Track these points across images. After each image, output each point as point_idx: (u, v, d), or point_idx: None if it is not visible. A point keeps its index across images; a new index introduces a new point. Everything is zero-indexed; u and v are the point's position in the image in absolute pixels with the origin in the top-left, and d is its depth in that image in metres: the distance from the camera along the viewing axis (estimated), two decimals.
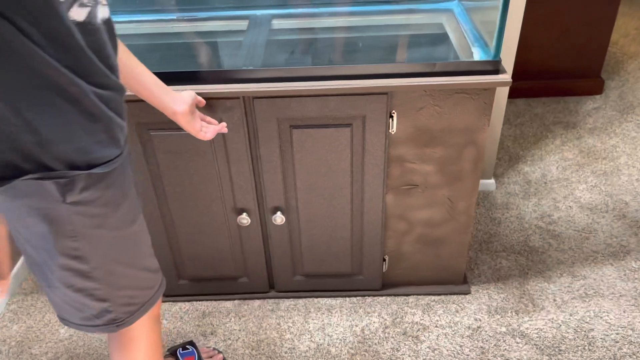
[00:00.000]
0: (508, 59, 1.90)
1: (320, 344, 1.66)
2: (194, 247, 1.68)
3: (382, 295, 1.81)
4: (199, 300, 1.82)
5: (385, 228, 1.65)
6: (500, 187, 2.27)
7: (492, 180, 2.25)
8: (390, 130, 1.44)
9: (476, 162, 1.51)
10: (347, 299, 1.81)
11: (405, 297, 1.80)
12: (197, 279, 1.77)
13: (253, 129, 1.43)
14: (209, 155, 1.47)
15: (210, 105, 1.37)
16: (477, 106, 1.40)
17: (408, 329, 1.69)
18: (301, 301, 1.80)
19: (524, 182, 2.29)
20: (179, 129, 1.27)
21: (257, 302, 1.81)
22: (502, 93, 2.00)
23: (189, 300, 1.82)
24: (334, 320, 1.74)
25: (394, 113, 1.41)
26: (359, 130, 1.43)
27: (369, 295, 1.81)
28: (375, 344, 1.65)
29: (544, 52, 2.71)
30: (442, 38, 1.53)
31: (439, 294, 1.80)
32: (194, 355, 1.59)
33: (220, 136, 1.43)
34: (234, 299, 1.82)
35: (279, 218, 1.58)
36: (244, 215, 1.58)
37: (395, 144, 1.47)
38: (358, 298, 1.81)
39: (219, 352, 1.64)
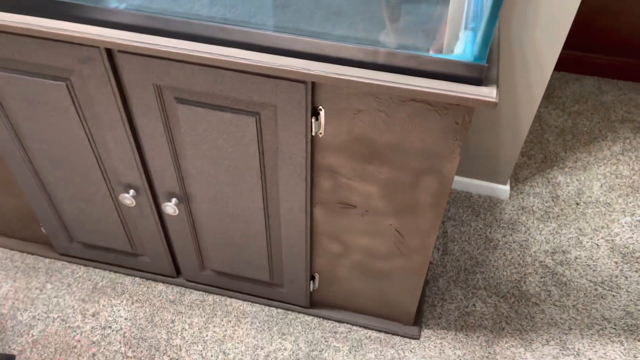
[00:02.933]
0: (559, 26, 1.31)
1: None
2: (79, 213, 1.34)
3: (309, 315, 1.44)
4: (97, 268, 1.53)
5: (313, 244, 1.24)
6: (516, 197, 1.76)
7: (507, 187, 1.74)
8: (316, 132, 0.98)
9: (438, 197, 1.04)
10: (267, 308, 1.45)
11: (336, 323, 1.43)
12: (91, 245, 1.46)
13: (126, 93, 1.02)
14: (72, 113, 1.08)
15: (64, 51, 0.96)
16: (443, 125, 0.91)
17: None
18: (211, 298, 1.47)
19: (549, 197, 1.76)
20: (31, 71, 0.89)
21: (160, 286, 1.49)
22: (547, 64, 1.42)
23: (85, 265, 1.53)
24: (238, 333, 1.40)
25: (320, 109, 0.95)
26: (269, 123, 0.98)
27: (293, 310, 1.45)
28: None
29: (635, 18, 2.03)
30: (428, 6, 1.01)
31: (379, 331, 1.41)
32: None
33: (85, 91, 1.03)
34: (135, 276, 1.51)
35: (170, 208, 1.20)
36: (130, 194, 1.21)
37: (324, 150, 1.02)
38: (280, 311, 1.45)
39: None
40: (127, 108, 1.05)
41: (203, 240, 1.31)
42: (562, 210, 1.72)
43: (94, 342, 1.37)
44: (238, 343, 1.38)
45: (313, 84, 0.91)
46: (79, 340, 1.38)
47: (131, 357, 1.34)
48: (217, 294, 1.47)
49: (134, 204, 1.22)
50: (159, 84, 0.98)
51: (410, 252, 1.18)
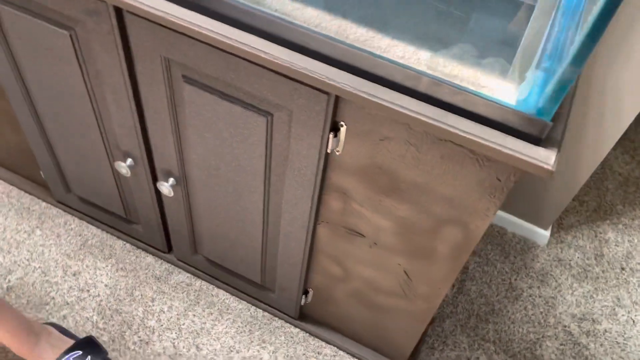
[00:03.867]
0: None
1: (178, 354, 1.24)
2: (76, 167, 1.25)
3: (295, 327, 1.32)
4: (91, 224, 1.44)
5: (312, 261, 1.11)
6: (555, 245, 1.57)
7: (547, 233, 1.55)
8: (332, 149, 0.84)
9: (458, 251, 0.89)
10: (253, 308, 1.34)
11: (323, 343, 1.30)
12: (87, 201, 1.37)
13: (133, 57, 0.89)
14: (74, 66, 0.96)
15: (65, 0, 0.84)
16: (482, 178, 0.75)
17: None
18: (198, 283, 1.37)
19: (592, 253, 1.56)
20: (37, 13, 0.79)
21: (149, 259, 1.40)
22: (628, 111, 1.22)
23: (80, 218, 1.45)
24: (217, 329, 1.29)
25: (342, 125, 0.80)
26: (282, 128, 0.84)
27: (280, 318, 1.33)
28: None
29: None
30: (500, 23, 0.82)
31: None
32: None
33: (89, 46, 0.91)
34: (127, 241, 1.42)
35: (165, 189, 1.08)
36: (127, 163, 1.10)
37: (340, 169, 0.87)
38: (266, 314, 1.34)
39: None
40: (133, 73, 0.93)
41: (198, 225, 1.20)
42: (603, 271, 1.53)
43: (67, 303, 1.30)
44: (214, 340, 1.28)
45: (337, 97, 0.76)
46: (53, 298, 1.30)
47: (101, 329, 1.27)
48: (205, 280, 1.37)
49: (129, 174, 1.11)
50: (167, 57, 0.85)
51: (416, 296, 1.04)
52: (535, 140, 0.67)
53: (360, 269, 1.06)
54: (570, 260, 1.54)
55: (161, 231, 1.30)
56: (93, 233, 1.43)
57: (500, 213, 1.57)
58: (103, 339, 1.25)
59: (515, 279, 1.48)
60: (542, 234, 1.55)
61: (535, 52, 0.74)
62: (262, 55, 0.74)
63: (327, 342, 1.30)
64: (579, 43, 0.58)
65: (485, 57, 0.75)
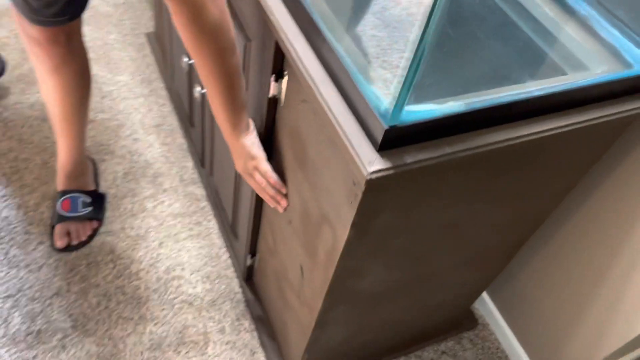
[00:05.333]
0: None
1: (144, 236, 1.36)
2: None
3: (240, 287, 1.34)
4: (173, 114, 1.66)
5: (262, 218, 1.13)
6: None
7: None
8: (274, 95, 0.85)
9: (328, 259, 0.82)
10: (224, 249, 1.40)
11: (246, 312, 1.30)
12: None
13: None
14: None
15: None
16: (346, 176, 0.69)
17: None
18: (203, 204, 1.47)
19: None
20: None
21: (189, 164, 1.55)
22: None
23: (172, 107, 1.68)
24: (186, 245, 1.39)
25: (285, 74, 0.82)
26: (254, 58, 0.89)
27: (235, 270, 1.36)
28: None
29: None
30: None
31: (265, 347, 1.24)
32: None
33: None
34: (185, 139, 1.60)
35: (197, 93, 1.21)
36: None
37: (281, 125, 0.88)
38: (228, 261, 1.38)
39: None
40: None
41: (216, 145, 1.30)
42: None
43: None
44: (175, 248, 1.38)
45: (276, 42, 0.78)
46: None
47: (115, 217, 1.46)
48: (209, 202, 1.47)
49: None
50: None
51: (304, 302, 0.98)
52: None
53: (280, 246, 1.04)
54: None
55: (201, 143, 1.44)
56: (171, 121, 1.64)
57: None
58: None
59: None
60: None
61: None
62: None
63: (252, 318, 1.30)
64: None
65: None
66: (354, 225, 0.72)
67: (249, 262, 1.26)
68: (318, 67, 0.70)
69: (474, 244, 0.94)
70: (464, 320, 1.38)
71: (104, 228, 1.38)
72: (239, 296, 1.33)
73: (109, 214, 1.41)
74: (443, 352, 1.32)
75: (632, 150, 0.95)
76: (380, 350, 1.26)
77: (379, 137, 0.59)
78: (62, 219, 1.32)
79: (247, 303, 1.31)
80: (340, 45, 0.67)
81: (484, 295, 1.41)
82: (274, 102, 0.87)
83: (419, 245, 0.86)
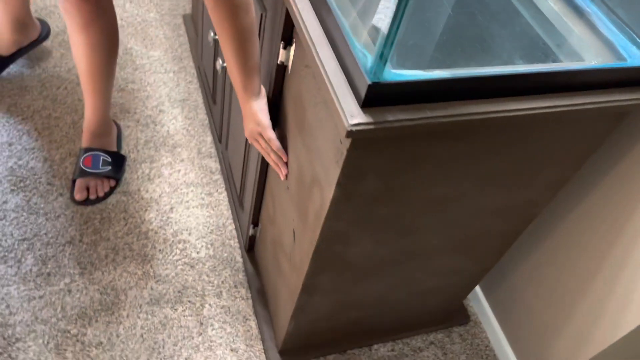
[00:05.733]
0: None
1: (157, 199, 1.43)
2: None
3: (241, 257, 1.39)
4: (198, 85, 1.74)
5: (266, 188, 1.18)
6: None
7: None
8: (282, 61, 0.91)
9: (317, 219, 0.86)
10: (230, 220, 1.45)
11: (244, 280, 1.35)
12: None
13: None
14: None
15: None
16: (335, 135, 0.74)
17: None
18: (217, 177, 1.54)
19: None
20: None
21: (209, 138, 1.62)
22: None
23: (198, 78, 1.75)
24: (196, 212, 1.45)
25: (294, 42, 0.87)
26: (267, 27, 0.94)
27: (238, 242, 1.42)
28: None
29: None
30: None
31: (258, 327, 1.28)
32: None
33: None
34: (206, 116, 1.67)
35: (218, 66, 1.28)
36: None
37: (288, 90, 0.93)
38: (233, 232, 1.43)
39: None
40: None
41: (231, 118, 1.36)
42: None
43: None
44: (184, 214, 1.44)
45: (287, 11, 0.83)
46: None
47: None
48: (222, 177, 1.53)
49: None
50: None
51: (294, 267, 1.03)
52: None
53: (279, 214, 1.09)
54: None
55: (221, 118, 1.51)
56: (196, 97, 1.71)
57: None
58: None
59: None
60: None
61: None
62: None
63: (249, 287, 1.34)
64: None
65: None
66: (339, 184, 0.76)
67: (251, 232, 1.31)
68: (320, 32, 0.74)
69: (463, 227, 0.97)
70: (456, 315, 1.39)
71: (121, 188, 1.45)
72: (239, 265, 1.38)
73: (127, 175, 1.48)
74: (431, 343, 1.34)
75: (623, 152, 0.97)
76: (368, 332, 1.29)
77: (363, 92, 0.64)
78: (83, 173, 1.39)
79: (246, 272, 1.36)
80: (340, 9, 0.71)
81: (479, 293, 1.42)
82: (282, 69, 0.93)
83: (405, 219, 0.89)
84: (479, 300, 1.42)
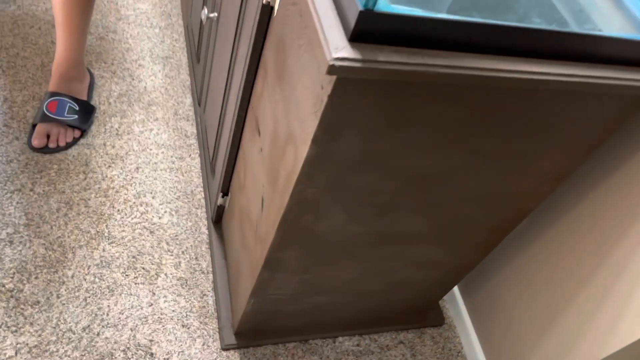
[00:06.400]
0: None
1: (123, 157, 1.32)
2: None
3: (207, 229, 1.28)
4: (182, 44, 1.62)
5: (239, 151, 1.07)
6: None
7: None
8: (270, 2, 0.80)
9: (286, 181, 0.76)
10: (200, 188, 1.34)
11: (206, 253, 1.24)
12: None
13: None
14: None
15: None
16: (315, 80, 0.63)
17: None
18: (192, 141, 1.42)
19: None
20: None
21: (188, 100, 1.51)
22: None
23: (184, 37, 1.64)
24: (162, 176, 1.34)
25: None
26: None
27: (205, 212, 1.31)
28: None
29: None
30: None
31: (215, 309, 1.18)
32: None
33: None
34: (189, 79, 1.55)
35: (203, 15, 1.16)
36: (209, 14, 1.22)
37: (270, 35, 0.83)
38: (202, 201, 1.32)
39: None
40: None
41: (211, 78, 1.25)
42: None
43: (112, 68, 1.49)
44: (150, 175, 1.33)
45: None
46: (119, 58, 1.51)
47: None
48: (197, 144, 1.42)
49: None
50: None
51: (260, 236, 0.92)
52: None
53: (249, 180, 0.98)
54: None
55: (202, 79, 1.40)
56: (180, 56, 1.60)
57: None
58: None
59: None
60: None
61: None
62: None
63: (211, 260, 1.24)
64: None
65: None
66: (315, 141, 0.66)
67: (220, 201, 1.20)
68: None
69: (446, 212, 0.87)
70: (431, 316, 1.29)
71: (85, 140, 1.34)
72: (204, 237, 1.27)
73: (93, 128, 1.37)
74: (400, 342, 1.24)
75: (624, 160, 0.88)
76: (334, 322, 1.19)
77: (352, 21, 0.53)
78: (45, 118, 1.28)
79: (210, 245, 1.26)
80: None
81: (457, 295, 1.32)
82: (268, 11, 0.82)
83: (382, 195, 0.79)
84: (456, 303, 1.32)
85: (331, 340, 1.20)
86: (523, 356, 1.13)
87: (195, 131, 1.45)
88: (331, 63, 0.53)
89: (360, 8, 0.52)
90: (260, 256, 0.91)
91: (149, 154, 1.36)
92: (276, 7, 0.79)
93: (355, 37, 0.54)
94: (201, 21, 1.33)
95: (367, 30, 0.54)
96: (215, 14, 1.16)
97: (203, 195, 1.34)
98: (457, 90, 0.63)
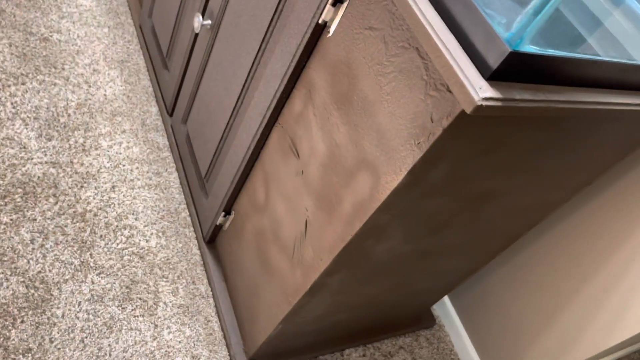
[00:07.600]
0: None
1: (96, 175, 1.19)
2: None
3: (199, 249, 1.21)
4: (142, 50, 1.49)
5: (251, 171, 1.02)
6: None
7: None
8: (325, 21, 0.77)
9: (359, 211, 0.74)
10: (183, 206, 1.26)
11: (202, 276, 1.17)
12: (153, 30, 1.43)
13: None
14: None
15: None
16: (419, 111, 0.62)
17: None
18: (165, 154, 1.32)
19: None
20: None
21: (154, 109, 1.40)
22: None
23: (140, 44, 1.51)
24: (143, 194, 1.23)
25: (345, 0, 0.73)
26: None
27: (194, 231, 1.23)
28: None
29: None
30: None
31: (221, 329, 1.11)
32: None
33: None
34: (152, 83, 1.43)
35: (197, 22, 1.08)
36: (203, 21, 1.13)
37: (320, 56, 0.79)
38: (187, 219, 1.24)
39: None
40: None
41: (202, 87, 1.17)
42: None
43: (68, 80, 1.34)
44: (128, 194, 1.21)
45: None
46: (65, 65, 1.35)
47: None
48: (172, 155, 1.32)
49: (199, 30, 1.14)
50: None
51: (299, 263, 0.88)
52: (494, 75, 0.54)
53: (277, 201, 0.94)
54: None
55: (177, 88, 1.30)
56: (137, 60, 1.47)
57: None
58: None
59: None
60: None
61: None
62: None
63: (210, 283, 1.16)
64: None
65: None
66: (412, 171, 0.65)
67: (220, 220, 1.13)
68: None
69: (487, 224, 0.90)
70: (424, 318, 1.34)
71: (48, 158, 1.19)
72: (197, 258, 1.19)
73: (56, 143, 1.21)
74: (401, 347, 1.27)
75: (628, 169, 0.97)
76: (343, 336, 1.18)
77: (494, 60, 0.53)
78: None
79: (206, 267, 1.18)
80: None
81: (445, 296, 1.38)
82: (320, 29, 0.78)
83: (443, 214, 0.80)
84: (442, 302, 1.38)
85: (339, 353, 1.20)
86: (516, 352, 1.21)
87: (167, 143, 1.35)
88: (479, 103, 0.52)
89: (509, 49, 0.51)
90: (302, 282, 0.88)
91: (123, 171, 1.24)
92: (332, 28, 0.76)
93: (494, 75, 0.54)
94: (180, 31, 1.23)
95: (504, 69, 0.54)
96: (210, 22, 1.08)
97: (188, 213, 1.25)
98: (555, 119, 0.65)
